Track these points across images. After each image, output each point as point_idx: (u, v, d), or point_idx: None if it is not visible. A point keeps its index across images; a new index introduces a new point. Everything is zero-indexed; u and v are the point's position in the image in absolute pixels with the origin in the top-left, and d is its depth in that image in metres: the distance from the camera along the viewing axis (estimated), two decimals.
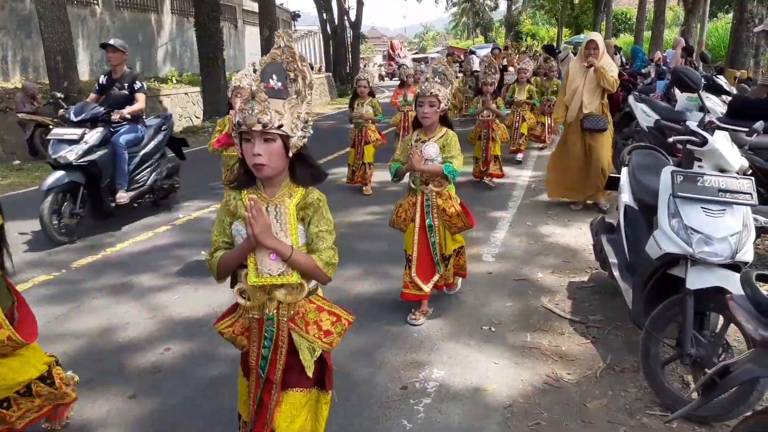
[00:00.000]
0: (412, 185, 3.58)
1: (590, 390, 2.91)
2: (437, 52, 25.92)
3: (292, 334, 1.95)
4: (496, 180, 7.24)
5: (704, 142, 2.66)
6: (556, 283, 4.22)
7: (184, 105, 16.74)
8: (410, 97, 8.10)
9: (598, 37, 5.76)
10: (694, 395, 2.62)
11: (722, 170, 2.72)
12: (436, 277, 3.61)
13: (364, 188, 7.28)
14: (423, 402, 2.82)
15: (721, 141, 2.68)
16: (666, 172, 2.75)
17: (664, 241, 2.67)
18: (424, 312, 3.68)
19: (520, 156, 8.80)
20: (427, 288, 3.58)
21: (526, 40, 41.20)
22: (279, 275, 1.87)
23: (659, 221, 2.72)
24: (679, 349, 2.67)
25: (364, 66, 9.26)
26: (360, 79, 7.37)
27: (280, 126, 1.76)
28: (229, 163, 4.41)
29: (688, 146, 2.72)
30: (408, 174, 3.54)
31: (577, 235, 5.26)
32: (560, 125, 6.18)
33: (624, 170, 3.65)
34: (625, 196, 3.46)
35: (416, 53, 44.97)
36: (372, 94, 7.35)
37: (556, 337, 3.45)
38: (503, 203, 6.49)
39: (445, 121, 3.52)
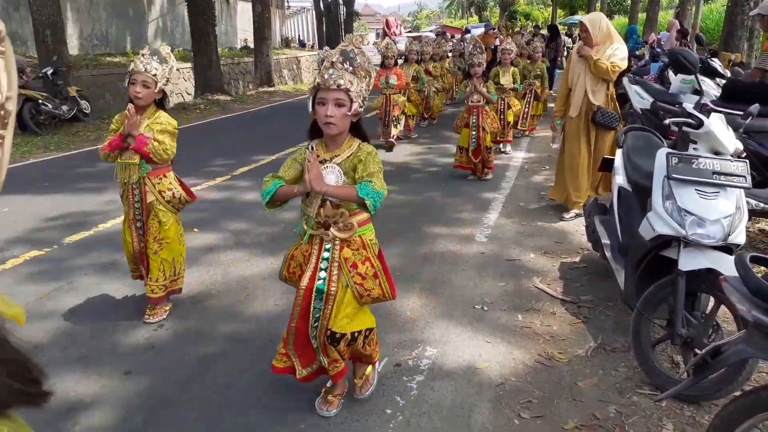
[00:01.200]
0: (304, 226, 2.43)
1: (581, 369, 2.95)
2: (431, 31, 25.63)
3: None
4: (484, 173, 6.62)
5: (700, 124, 2.67)
6: (548, 264, 4.25)
7: (176, 81, 16.51)
8: (393, 79, 8.08)
9: (586, 19, 4.98)
10: (684, 375, 2.66)
11: (717, 153, 2.73)
12: (315, 365, 2.51)
13: None
14: (416, 379, 2.85)
15: (716, 124, 2.69)
16: (661, 154, 2.76)
17: (657, 222, 2.68)
18: (339, 396, 2.60)
19: (508, 147, 8.19)
20: (302, 372, 2.49)
21: (519, 20, 40.90)
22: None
23: (653, 203, 2.73)
24: (669, 330, 2.70)
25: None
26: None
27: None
28: (122, 175, 3.47)
29: (684, 128, 2.73)
30: (302, 206, 2.44)
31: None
32: (558, 120, 5.36)
33: (618, 152, 3.66)
34: (619, 178, 3.48)
35: (410, 32, 44.55)
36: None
37: (547, 317, 3.49)
38: (496, 184, 6.50)
39: (358, 130, 2.39)
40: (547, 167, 7.22)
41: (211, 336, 3.29)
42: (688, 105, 2.80)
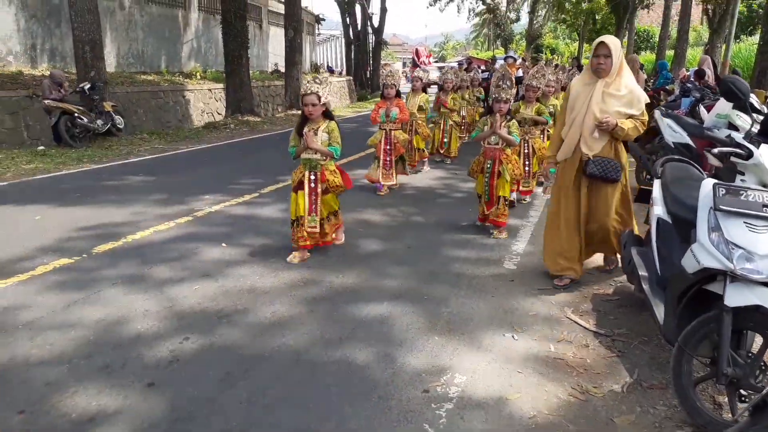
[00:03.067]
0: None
1: (617, 405, 2.83)
2: (457, 62, 25.93)
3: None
4: (496, 228, 5.52)
5: (749, 155, 2.59)
6: (579, 295, 4.14)
7: (207, 101, 16.84)
8: (394, 112, 6.91)
9: (612, 40, 3.86)
10: (729, 416, 2.54)
11: (765, 185, 2.64)
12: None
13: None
14: (445, 407, 2.76)
15: (767, 155, 2.60)
16: (707, 185, 2.67)
17: (702, 255, 2.59)
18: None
19: (527, 198, 6.91)
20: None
21: (545, 54, 41.05)
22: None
23: (698, 234, 2.64)
24: (713, 368, 2.59)
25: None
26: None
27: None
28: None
29: (732, 159, 2.64)
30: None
31: None
32: (551, 167, 4.39)
33: (657, 182, 3.57)
34: (658, 209, 3.38)
35: (436, 61, 44.94)
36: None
37: (580, 349, 3.38)
38: (524, 212, 6.42)
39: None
40: None
41: (236, 352, 3.24)
42: (737, 135, 2.72)
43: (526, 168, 6.62)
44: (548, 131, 7.09)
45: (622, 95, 3.88)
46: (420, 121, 8.32)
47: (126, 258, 4.72)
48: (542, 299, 4.05)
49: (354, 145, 10.15)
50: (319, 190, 4.64)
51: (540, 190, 7.39)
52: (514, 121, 5.42)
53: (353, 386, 2.92)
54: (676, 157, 3.85)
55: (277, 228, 5.62)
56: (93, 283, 4.18)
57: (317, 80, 4.50)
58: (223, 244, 5.09)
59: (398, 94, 7.12)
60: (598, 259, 4.67)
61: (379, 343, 3.36)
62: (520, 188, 6.53)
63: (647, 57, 30.09)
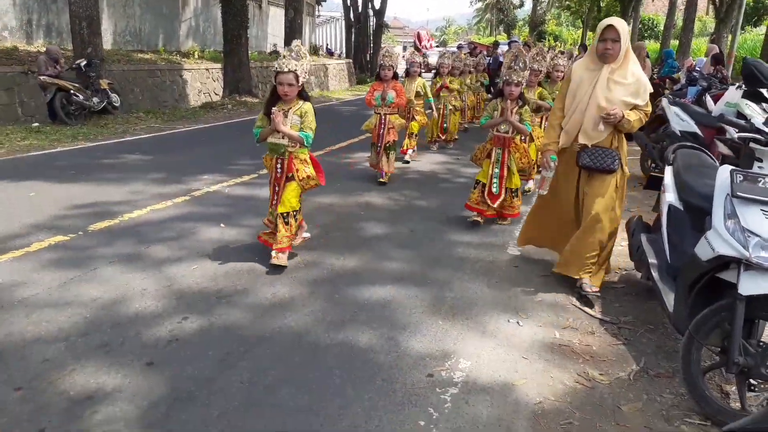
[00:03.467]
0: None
1: (623, 393, 2.79)
2: (456, 46, 25.60)
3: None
4: (503, 220, 5.33)
5: None
6: (553, 172, 4.01)
7: (204, 81, 16.65)
8: (390, 95, 6.42)
9: (620, 23, 3.51)
10: (738, 405, 2.50)
11: None
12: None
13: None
14: (450, 392, 2.71)
15: None
16: (724, 171, 2.61)
17: (717, 242, 2.53)
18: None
19: (529, 184, 6.61)
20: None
21: (548, 41, 40.76)
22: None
23: (713, 222, 2.58)
24: (723, 357, 2.54)
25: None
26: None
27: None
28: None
29: (751, 145, 2.58)
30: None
31: None
32: (551, 154, 3.85)
33: (668, 169, 3.51)
34: (670, 196, 3.32)
35: (437, 46, 44.63)
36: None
37: (586, 336, 3.33)
38: (527, 198, 6.34)
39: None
40: None
41: (236, 332, 3.18)
42: (758, 120, 2.65)
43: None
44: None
45: (628, 83, 3.54)
46: (417, 108, 7.91)
47: (122, 236, 4.64)
48: (547, 285, 3.99)
49: (354, 128, 10.04)
50: (283, 179, 4.04)
51: (535, 182, 6.62)
52: (526, 107, 4.99)
53: (356, 369, 2.87)
54: (688, 144, 3.79)
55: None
56: (89, 261, 4.10)
57: (294, 55, 3.83)
58: (222, 225, 5.02)
59: (395, 77, 6.62)
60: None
61: (382, 326, 3.31)
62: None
63: (652, 46, 29.89)
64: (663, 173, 3.65)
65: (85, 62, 10.97)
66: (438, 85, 9.17)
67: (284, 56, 3.84)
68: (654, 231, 3.69)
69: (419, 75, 8.01)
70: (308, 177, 4.04)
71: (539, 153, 4.74)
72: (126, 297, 3.55)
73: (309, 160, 4.08)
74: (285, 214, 4.04)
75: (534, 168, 6.17)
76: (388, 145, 6.61)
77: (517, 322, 3.44)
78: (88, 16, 11.35)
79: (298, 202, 4.12)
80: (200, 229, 4.87)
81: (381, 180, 6.71)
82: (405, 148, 8.00)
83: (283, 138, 3.92)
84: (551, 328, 3.39)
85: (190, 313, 3.37)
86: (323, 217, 5.39)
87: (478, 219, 5.18)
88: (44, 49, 11.58)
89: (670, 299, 2.98)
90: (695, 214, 3.09)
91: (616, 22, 3.51)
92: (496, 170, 5.04)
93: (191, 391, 2.63)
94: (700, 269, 2.66)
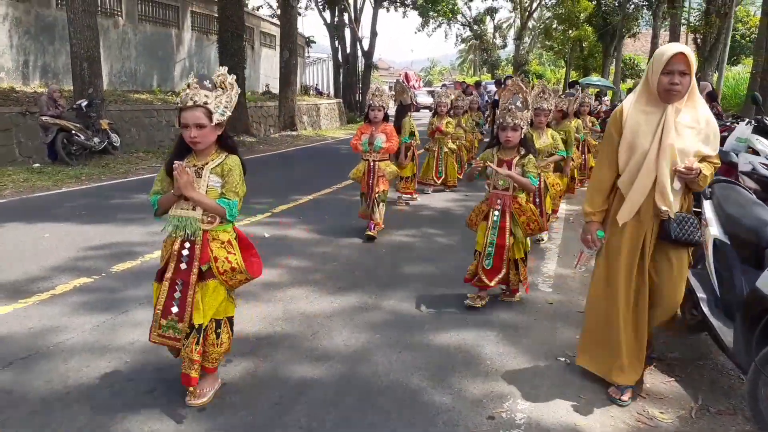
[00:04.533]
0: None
1: (688, 431, 2.74)
2: (444, 85, 26.10)
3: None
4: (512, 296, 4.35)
5: None
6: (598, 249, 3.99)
7: None
8: (379, 140, 5.65)
9: (687, 50, 2.72)
10: None
11: None
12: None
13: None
14: None
15: None
16: None
17: None
18: None
19: (544, 235, 5.87)
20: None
21: (532, 80, 41.70)
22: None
23: None
24: None
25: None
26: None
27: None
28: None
29: None
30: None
31: None
32: (598, 228, 2.99)
33: (707, 203, 3.54)
34: (714, 230, 3.34)
35: (424, 86, 45.47)
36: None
37: None
38: (539, 252, 6.35)
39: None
40: None
41: (284, 375, 3.10)
42: None
43: (539, 205, 5.06)
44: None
45: (700, 128, 2.76)
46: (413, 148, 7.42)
47: (147, 278, 4.49)
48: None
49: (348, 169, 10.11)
50: (193, 273, 2.64)
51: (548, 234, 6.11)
52: (530, 157, 3.99)
53: (413, 411, 2.79)
54: (723, 178, 3.83)
55: (303, 248, 5.51)
56: (119, 303, 4.00)
57: (207, 83, 2.54)
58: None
59: (386, 118, 5.84)
60: None
61: (429, 366, 3.24)
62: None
63: (631, 85, 30.70)
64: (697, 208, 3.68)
65: (86, 102, 10.96)
66: (433, 127, 8.45)
67: (188, 85, 2.56)
68: (694, 265, 3.70)
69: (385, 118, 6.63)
70: (232, 269, 2.70)
71: (584, 223, 3.10)
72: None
73: (234, 242, 2.76)
74: (209, 325, 2.70)
75: (548, 218, 5.52)
76: (378, 195, 5.80)
77: (566, 361, 3.39)
78: (89, 57, 11.38)
79: (231, 302, 2.86)
80: None
81: (369, 233, 5.78)
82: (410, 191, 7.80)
83: (194, 208, 2.64)
84: None
85: (232, 356, 3.27)
86: (350, 250, 5.35)
87: (476, 304, 4.09)
88: (42, 89, 11.58)
89: (727, 334, 2.95)
90: (743, 248, 3.10)
91: (685, 49, 2.68)
92: (492, 238, 4.01)
93: None
94: (764, 304, 2.65)
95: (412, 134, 7.34)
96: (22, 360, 3.15)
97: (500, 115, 4.04)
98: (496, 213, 4.02)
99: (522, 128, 3.96)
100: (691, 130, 2.76)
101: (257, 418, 2.69)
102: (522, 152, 3.96)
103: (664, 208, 2.78)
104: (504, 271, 4.04)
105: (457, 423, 2.71)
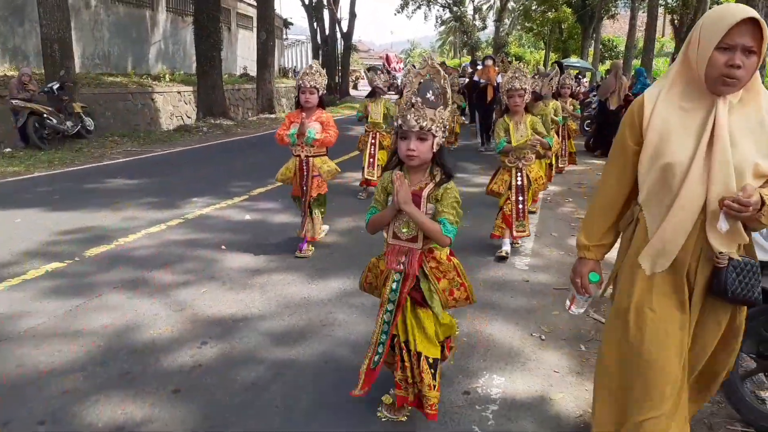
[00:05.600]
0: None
1: None
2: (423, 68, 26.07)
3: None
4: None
5: None
6: (597, 295, 4.10)
7: (176, 104, 16.46)
8: (311, 130, 4.49)
9: (761, 19, 1.71)
10: None
11: None
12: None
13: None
14: (490, 408, 2.67)
15: None
16: None
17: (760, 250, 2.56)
18: None
19: (519, 243, 5.18)
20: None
21: (512, 62, 41.64)
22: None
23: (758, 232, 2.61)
24: (761, 363, 2.57)
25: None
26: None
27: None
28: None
29: None
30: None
31: None
32: (592, 270, 2.24)
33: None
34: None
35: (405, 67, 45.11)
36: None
37: None
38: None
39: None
40: (570, 199, 7.15)
41: (260, 356, 3.09)
42: None
43: (520, 206, 4.74)
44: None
45: (763, 132, 1.83)
46: (384, 132, 6.79)
47: (121, 262, 4.49)
48: (562, 298, 4.00)
49: (346, 147, 10.08)
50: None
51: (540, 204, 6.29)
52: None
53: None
54: None
55: (279, 230, 5.46)
56: (92, 287, 3.95)
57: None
58: (223, 246, 4.91)
59: (321, 103, 4.64)
60: None
61: None
62: (513, 232, 4.79)
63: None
64: None
65: (57, 85, 10.71)
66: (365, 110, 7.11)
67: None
68: None
69: (384, 95, 7.00)
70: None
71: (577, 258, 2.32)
72: (138, 323, 3.42)
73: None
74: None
75: (527, 219, 4.88)
76: (312, 200, 4.69)
77: (540, 337, 3.43)
78: (60, 38, 11.10)
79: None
80: (200, 252, 4.75)
81: (299, 255, 4.70)
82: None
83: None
84: (576, 341, 3.39)
85: (208, 338, 3.26)
86: (331, 237, 5.33)
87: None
88: (12, 73, 11.29)
89: None
90: None
91: (755, 14, 1.73)
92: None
93: (225, 418, 2.53)
94: None
95: (384, 117, 6.73)
96: None
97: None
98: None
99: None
100: (750, 137, 1.82)
101: (232, 399, 2.68)
102: (436, 177, 2.33)
103: (723, 250, 1.84)
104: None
105: None
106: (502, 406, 2.70)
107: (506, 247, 4.81)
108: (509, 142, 4.59)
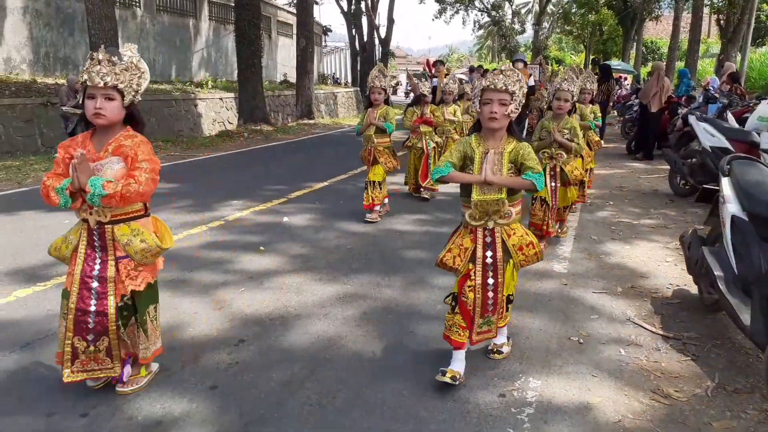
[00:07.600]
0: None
1: (705, 410, 2.69)
2: (462, 73, 25.88)
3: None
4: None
5: None
6: (638, 299, 4.01)
7: (219, 110, 16.80)
8: (101, 179, 2.46)
9: None
10: None
11: None
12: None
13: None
14: (526, 412, 2.63)
15: None
16: None
17: None
18: None
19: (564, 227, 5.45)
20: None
21: (552, 65, 41.09)
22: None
23: None
24: None
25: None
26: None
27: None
28: None
29: None
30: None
31: (647, 252, 5.05)
32: None
33: (725, 180, 3.46)
34: (732, 207, 3.27)
35: (446, 74, 45.00)
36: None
37: (652, 352, 3.24)
38: None
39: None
40: (611, 203, 7.00)
41: (296, 354, 3.11)
42: None
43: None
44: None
45: None
46: (380, 147, 5.86)
47: (165, 262, 4.58)
48: (601, 302, 3.92)
49: None
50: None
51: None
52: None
53: (424, 389, 2.79)
54: (742, 155, 3.74)
55: (311, 234, 5.51)
56: None
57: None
58: (261, 248, 4.98)
59: (387, 102, 5.54)
60: None
61: (440, 345, 3.23)
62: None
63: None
64: (715, 186, 3.60)
65: None
66: (416, 117, 6.75)
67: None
68: (709, 243, 3.63)
69: (386, 102, 5.77)
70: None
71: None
72: (178, 321, 3.50)
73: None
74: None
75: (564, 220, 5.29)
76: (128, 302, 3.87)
77: (578, 341, 3.36)
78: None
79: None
80: (239, 253, 4.83)
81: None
82: (371, 202, 5.86)
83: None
84: (615, 345, 3.30)
85: (246, 336, 3.31)
86: (360, 235, 5.35)
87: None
88: (62, 81, 11.72)
89: (744, 312, 2.90)
90: (762, 225, 3.03)
91: None
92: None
93: (261, 415, 2.56)
94: None
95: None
96: (40, 340, 3.22)
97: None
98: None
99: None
100: None
101: (268, 396, 2.71)
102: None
103: None
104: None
105: (468, 400, 2.70)
106: (538, 409, 2.65)
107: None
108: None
